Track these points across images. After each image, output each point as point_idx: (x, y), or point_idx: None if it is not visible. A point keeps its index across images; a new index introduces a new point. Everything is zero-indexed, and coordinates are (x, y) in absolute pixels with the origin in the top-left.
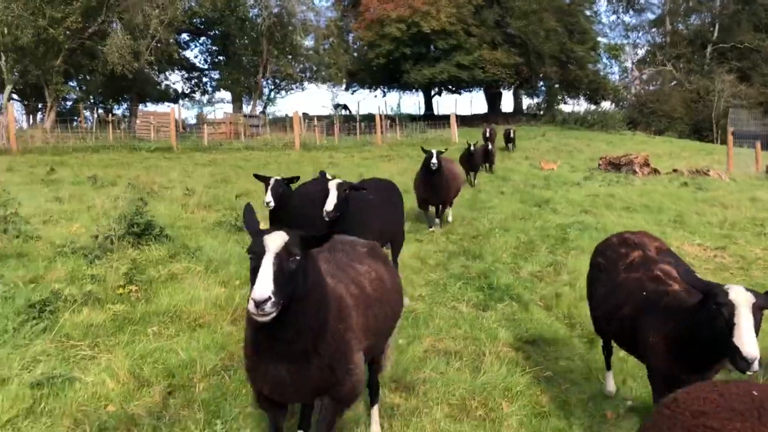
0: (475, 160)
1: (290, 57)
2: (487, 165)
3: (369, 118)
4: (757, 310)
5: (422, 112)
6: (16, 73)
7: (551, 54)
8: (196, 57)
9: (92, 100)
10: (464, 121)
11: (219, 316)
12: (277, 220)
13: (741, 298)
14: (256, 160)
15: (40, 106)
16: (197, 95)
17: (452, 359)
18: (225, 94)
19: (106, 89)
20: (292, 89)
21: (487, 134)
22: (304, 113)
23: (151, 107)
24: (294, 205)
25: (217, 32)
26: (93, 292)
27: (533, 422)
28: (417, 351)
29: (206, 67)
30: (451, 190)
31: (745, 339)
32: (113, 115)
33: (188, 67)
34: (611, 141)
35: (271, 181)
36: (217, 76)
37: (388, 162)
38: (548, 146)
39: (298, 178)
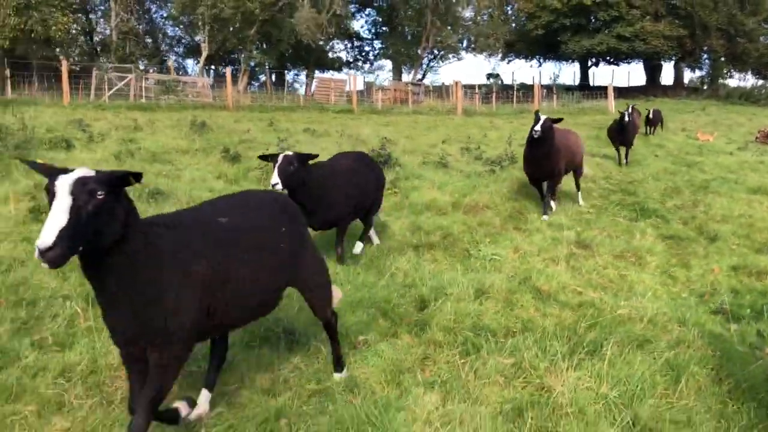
0: (629, 133)
1: (451, 28)
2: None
3: (525, 88)
4: None
5: (578, 82)
6: (215, 43)
7: (718, 26)
8: (361, 27)
9: (269, 66)
10: (621, 92)
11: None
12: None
13: None
14: (425, 123)
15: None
16: (359, 63)
17: (614, 238)
18: (385, 63)
19: (286, 57)
20: (449, 59)
21: (626, 118)
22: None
23: (319, 74)
24: (314, 183)
25: (382, 4)
26: None
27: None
28: (589, 234)
29: (370, 37)
30: (560, 162)
31: None
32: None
33: (353, 36)
34: None
35: (279, 158)
36: (379, 46)
37: None
38: (707, 120)
39: (316, 155)
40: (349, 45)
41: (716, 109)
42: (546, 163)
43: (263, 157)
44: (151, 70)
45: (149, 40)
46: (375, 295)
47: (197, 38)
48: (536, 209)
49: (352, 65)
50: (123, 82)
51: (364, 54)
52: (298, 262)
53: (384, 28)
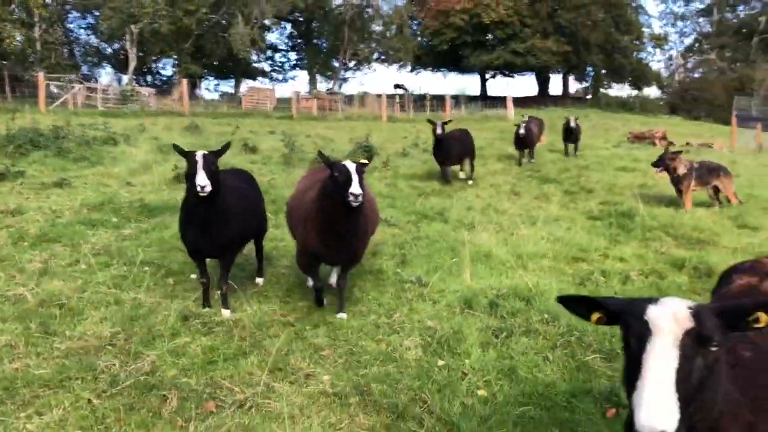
0: (527, 141)
1: (366, 41)
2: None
3: (436, 98)
4: None
5: (478, 93)
6: (153, 57)
7: (597, 43)
8: (277, 39)
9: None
10: (516, 102)
11: None
12: (211, 208)
13: None
14: (361, 127)
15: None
16: (274, 74)
17: (533, 189)
18: (299, 73)
19: (216, 68)
20: (360, 69)
21: (521, 131)
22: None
23: (250, 83)
24: (231, 187)
25: (300, 18)
26: None
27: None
28: (520, 186)
29: (286, 49)
30: (454, 154)
31: None
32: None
33: (271, 48)
34: (647, 122)
35: (198, 156)
36: (295, 57)
37: None
38: (588, 125)
39: (228, 146)
40: (264, 56)
41: (596, 116)
42: (444, 153)
43: (178, 150)
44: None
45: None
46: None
47: (128, 50)
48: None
49: (268, 75)
50: (70, 93)
51: (280, 65)
52: None
53: (300, 41)
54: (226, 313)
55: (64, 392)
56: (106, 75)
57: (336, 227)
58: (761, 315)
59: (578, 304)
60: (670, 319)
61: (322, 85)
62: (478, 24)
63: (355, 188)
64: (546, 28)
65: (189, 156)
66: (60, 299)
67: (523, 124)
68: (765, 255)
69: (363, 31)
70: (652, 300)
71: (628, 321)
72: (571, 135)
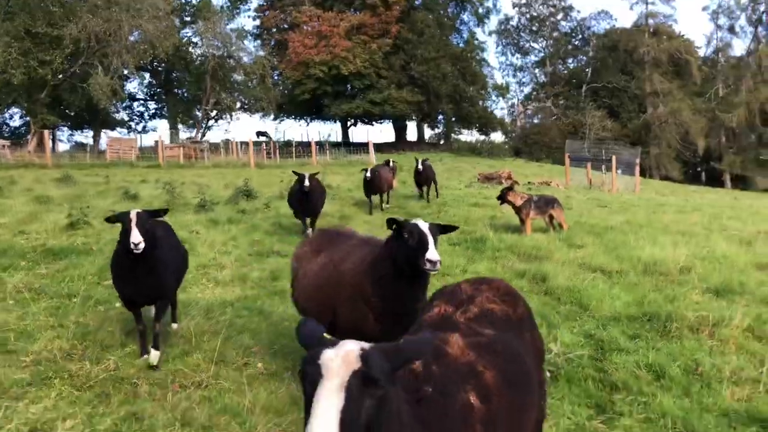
0: (380, 184)
1: (228, 91)
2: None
3: (302, 144)
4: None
5: (340, 139)
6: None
7: (447, 93)
8: (134, 88)
9: (57, 127)
10: (377, 147)
11: None
12: (145, 263)
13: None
14: (232, 174)
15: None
16: (133, 124)
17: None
18: (160, 122)
19: (73, 118)
20: (222, 118)
21: (371, 177)
22: (240, 141)
23: (110, 133)
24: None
25: (159, 68)
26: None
27: None
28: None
29: (144, 98)
30: (319, 204)
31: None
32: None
33: (129, 98)
34: (494, 165)
35: (132, 215)
36: (154, 106)
37: (329, 176)
38: (443, 168)
39: (166, 211)
40: (122, 105)
41: (450, 159)
42: (311, 205)
43: (109, 219)
44: None
45: None
46: None
47: None
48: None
49: (126, 124)
50: None
51: (139, 114)
52: None
53: (159, 90)
54: (155, 354)
55: (47, 388)
56: None
57: (399, 303)
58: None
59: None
60: (339, 362)
61: (185, 134)
62: (337, 75)
63: (432, 253)
64: (400, 79)
65: (122, 216)
66: (7, 326)
67: (370, 170)
68: (475, 277)
69: (225, 81)
70: (330, 343)
71: (305, 368)
72: (420, 177)
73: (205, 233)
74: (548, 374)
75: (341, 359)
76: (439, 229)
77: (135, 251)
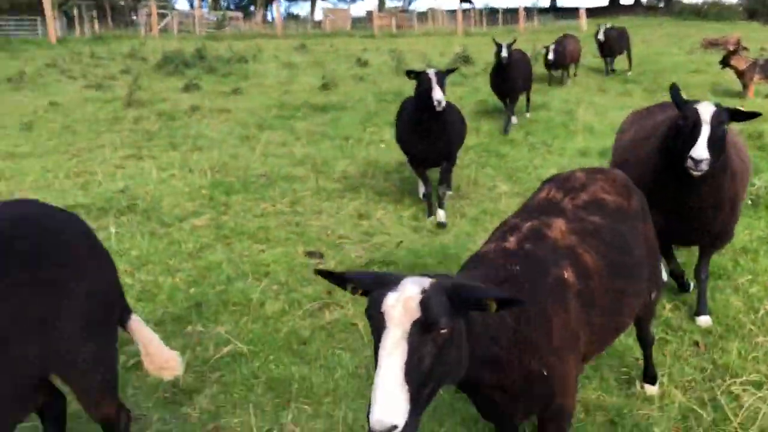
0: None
1: None
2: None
3: (509, 11)
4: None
5: (548, 4)
6: None
7: None
8: None
9: None
10: (588, 13)
11: None
12: (439, 121)
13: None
14: (442, 43)
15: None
16: None
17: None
18: None
19: None
20: None
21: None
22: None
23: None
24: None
25: None
26: None
27: None
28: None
29: None
30: (519, 81)
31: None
32: None
33: None
34: (722, 29)
35: (431, 74)
36: None
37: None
38: (662, 33)
39: (454, 70)
40: None
41: (671, 23)
42: (510, 82)
43: (410, 74)
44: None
45: None
46: None
47: None
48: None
49: None
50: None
51: None
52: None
53: None
54: (441, 213)
55: (355, 193)
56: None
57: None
58: (491, 303)
59: (335, 279)
60: (400, 310)
61: (391, 3)
62: None
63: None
64: None
65: (422, 74)
66: (315, 154)
67: (554, 46)
68: (592, 167)
69: None
70: (394, 283)
71: (369, 312)
72: (603, 47)
73: None
74: (750, 201)
75: (402, 307)
76: (728, 115)
77: (437, 108)
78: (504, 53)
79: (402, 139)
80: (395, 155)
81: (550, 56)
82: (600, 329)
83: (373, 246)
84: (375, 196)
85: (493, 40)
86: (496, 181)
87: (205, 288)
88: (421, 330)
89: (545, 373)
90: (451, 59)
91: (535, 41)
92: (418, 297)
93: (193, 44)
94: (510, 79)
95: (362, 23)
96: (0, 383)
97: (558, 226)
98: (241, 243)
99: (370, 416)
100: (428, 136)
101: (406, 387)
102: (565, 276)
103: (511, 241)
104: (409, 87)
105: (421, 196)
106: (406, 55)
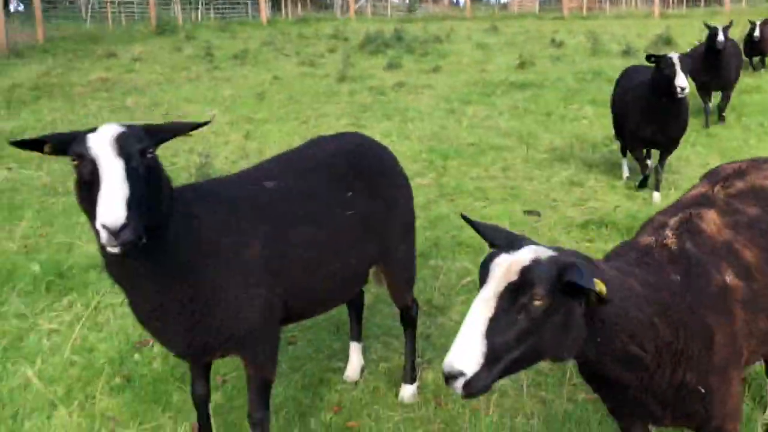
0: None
1: None
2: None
3: None
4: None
5: None
6: None
7: None
8: None
9: None
10: None
11: None
12: (676, 109)
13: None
14: (638, 26)
15: None
16: None
17: None
18: None
19: None
20: None
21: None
22: None
23: None
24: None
25: None
26: None
27: None
28: None
29: None
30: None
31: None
32: None
33: None
34: None
35: (675, 59)
36: None
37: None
38: None
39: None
40: None
41: None
42: (724, 72)
43: (649, 58)
44: None
45: None
46: None
47: None
48: None
49: None
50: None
51: None
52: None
53: None
54: (656, 196)
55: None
56: None
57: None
58: (591, 295)
59: (478, 230)
60: (503, 270)
61: None
62: None
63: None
64: None
65: (664, 59)
66: (503, 126)
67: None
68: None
69: None
70: (517, 246)
71: (481, 265)
72: (754, 45)
73: None
74: None
75: (505, 267)
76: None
77: (679, 95)
78: (720, 37)
79: (632, 123)
80: (601, 131)
81: (756, 33)
82: (764, 335)
83: (588, 209)
84: (584, 167)
85: (705, 24)
86: (708, 159)
87: (437, 232)
88: (514, 293)
89: (702, 391)
90: (650, 42)
91: (744, 26)
92: (524, 262)
93: (388, 26)
94: (724, 68)
95: (550, 5)
96: (356, 268)
97: (711, 219)
98: (463, 200)
99: (445, 358)
100: (663, 121)
101: (485, 342)
102: (728, 281)
103: (670, 239)
104: (608, 67)
105: (624, 178)
106: (602, 37)
